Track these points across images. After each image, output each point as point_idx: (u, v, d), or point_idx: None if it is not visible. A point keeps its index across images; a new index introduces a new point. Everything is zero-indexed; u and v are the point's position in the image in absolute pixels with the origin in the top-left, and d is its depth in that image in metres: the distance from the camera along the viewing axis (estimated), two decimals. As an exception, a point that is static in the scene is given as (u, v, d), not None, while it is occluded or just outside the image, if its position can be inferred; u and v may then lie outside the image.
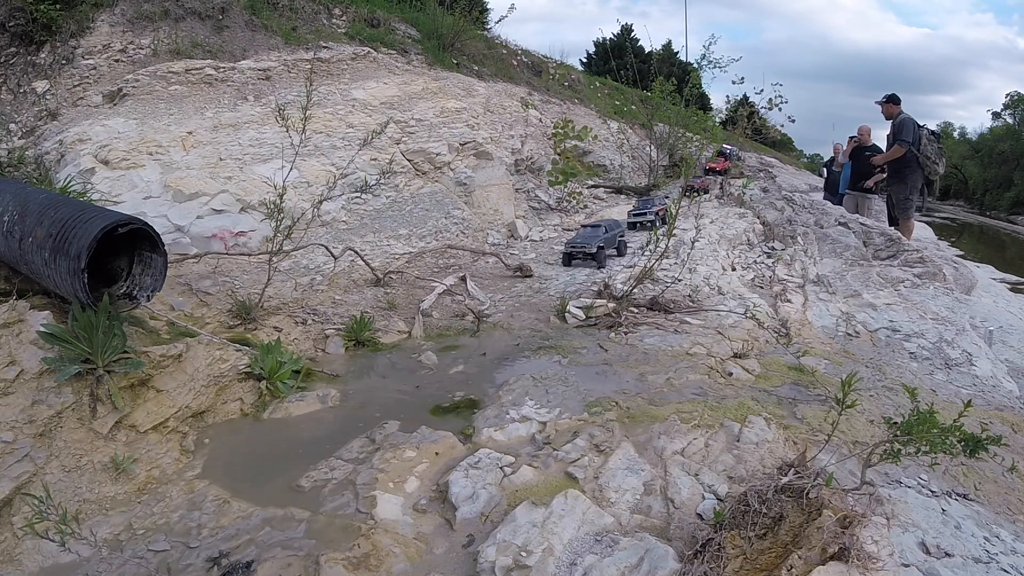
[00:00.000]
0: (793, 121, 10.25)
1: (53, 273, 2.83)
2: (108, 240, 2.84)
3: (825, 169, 9.95)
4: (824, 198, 9.82)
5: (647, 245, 4.74)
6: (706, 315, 4.69)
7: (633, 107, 14.24)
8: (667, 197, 8.11)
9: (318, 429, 3.15)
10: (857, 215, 7.65)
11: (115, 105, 6.36)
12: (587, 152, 11.01)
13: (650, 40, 31.37)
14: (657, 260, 4.75)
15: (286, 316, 4.39)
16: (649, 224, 7.48)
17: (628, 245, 6.90)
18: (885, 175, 7.75)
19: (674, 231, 4.68)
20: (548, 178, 9.16)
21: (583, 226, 6.91)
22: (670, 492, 2.41)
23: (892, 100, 7.26)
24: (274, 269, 4.43)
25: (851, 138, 9.62)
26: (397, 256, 5.97)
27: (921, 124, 7.16)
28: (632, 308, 4.73)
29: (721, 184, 10.28)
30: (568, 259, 6.39)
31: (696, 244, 5.46)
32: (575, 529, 2.18)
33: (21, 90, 6.52)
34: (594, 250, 6.19)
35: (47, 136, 5.97)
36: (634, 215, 7.94)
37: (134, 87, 6.53)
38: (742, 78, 10.22)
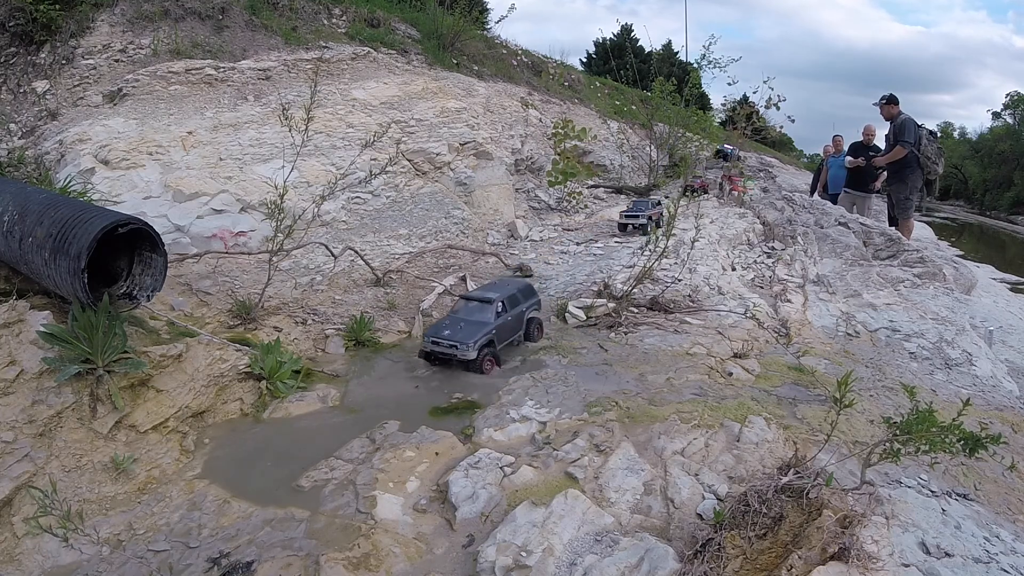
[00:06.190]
0: (793, 121, 10.29)
1: (53, 273, 2.83)
2: (108, 240, 2.84)
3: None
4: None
5: (646, 245, 4.74)
6: (706, 315, 4.69)
7: (633, 107, 14.23)
8: (659, 203, 7.90)
9: (318, 429, 3.16)
10: (857, 215, 7.66)
11: (115, 105, 6.35)
12: (587, 152, 11.01)
13: (650, 40, 31.42)
14: (656, 260, 4.75)
15: (286, 316, 4.39)
16: (640, 227, 7.35)
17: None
18: (885, 174, 7.76)
19: (673, 231, 4.67)
20: (548, 178, 9.15)
21: (462, 298, 4.29)
22: (670, 492, 2.41)
23: (891, 101, 7.28)
24: (274, 269, 4.43)
25: (836, 137, 9.67)
26: (397, 256, 5.96)
27: (920, 124, 7.18)
28: (632, 308, 4.73)
29: (720, 184, 10.28)
30: (429, 355, 3.89)
31: (696, 244, 5.46)
32: (575, 529, 2.18)
33: (21, 90, 6.51)
34: (472, 355, 3.68)
35: (47, 136, 5.97)
36: (626, 216, 7.61)
37: (134, 87, 6.52)
38: (732, 82, 10.23)
